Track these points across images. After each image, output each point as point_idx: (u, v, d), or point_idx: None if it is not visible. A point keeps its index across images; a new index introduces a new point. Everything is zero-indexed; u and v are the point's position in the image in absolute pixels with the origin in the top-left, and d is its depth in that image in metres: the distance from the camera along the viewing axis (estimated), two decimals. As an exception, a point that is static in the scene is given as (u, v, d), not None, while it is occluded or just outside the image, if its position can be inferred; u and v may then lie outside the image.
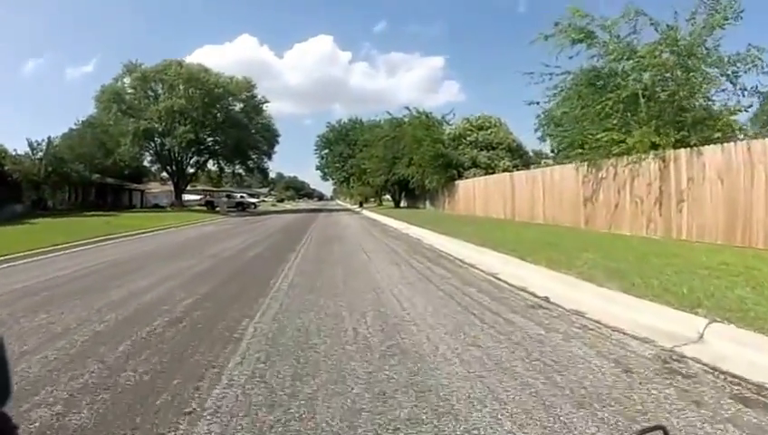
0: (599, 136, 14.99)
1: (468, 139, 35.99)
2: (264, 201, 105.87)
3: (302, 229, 22.73)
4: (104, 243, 16.74)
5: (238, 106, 53.37)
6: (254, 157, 56.94)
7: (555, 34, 15.77)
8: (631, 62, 14.74)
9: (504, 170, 31.52)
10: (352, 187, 68.96)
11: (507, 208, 23.40)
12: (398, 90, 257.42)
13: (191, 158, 53.63)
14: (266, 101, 55.37)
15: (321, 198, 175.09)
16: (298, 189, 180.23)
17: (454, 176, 33.20)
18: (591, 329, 5.04)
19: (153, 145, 49.89)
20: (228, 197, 61.83)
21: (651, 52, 14.24)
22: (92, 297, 7.04)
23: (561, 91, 16.84)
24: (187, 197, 63.82)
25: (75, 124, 47.08)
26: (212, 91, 48.78)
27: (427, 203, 40.78)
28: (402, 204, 49.98)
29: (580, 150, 16.12)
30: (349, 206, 77.17)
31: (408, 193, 48.13)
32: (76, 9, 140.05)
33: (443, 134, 36.70)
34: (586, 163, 16.19)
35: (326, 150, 63.24)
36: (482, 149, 35.46)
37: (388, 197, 62.29)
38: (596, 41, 15.43)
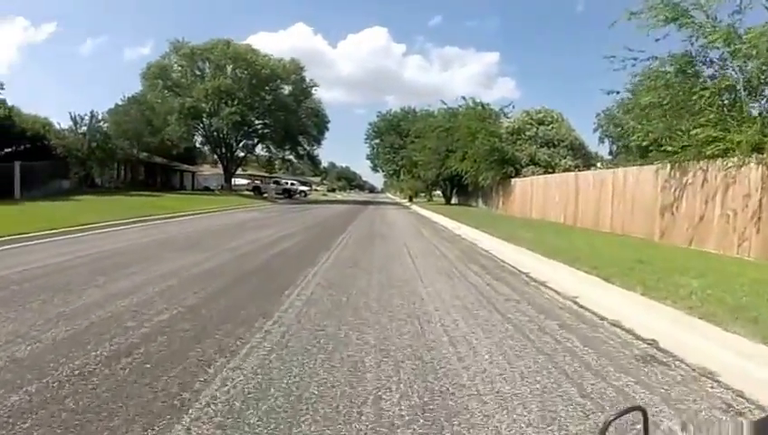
0: (693, 132, 12.62)
1: (527, 133, 33.51)
2: (315, 190, 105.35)
3: (344, 222, 21.23)
4: (133, 225, 15.63)
5: (287, 89, 52.18)
6: (303, 143, 55.76)
7: (643, 12, 13.50)
8: (733, 47, 12.36)
9: (566, 170, 29.11)
10: (402, 180, 67.11)
11: (568, 212, 21.15)
12: (452, 84, 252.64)
13: (240, 141, 52.72)
14: (315, 85, 54.15)
15: (372, 190, 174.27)
16: (350, 180, 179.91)
17: (510, 173, 30.87)
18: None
19: (201, 126, 49.15)
20: (276, 183, 60.98)
21: (759, 36, 11.80)
22: (50, 303, 5.51)
23: (649, 77, 14.47)
24: (236, 181, 63.54)
25: (122, 100, 46.61)
26: (259, 73, 47.74)
27: (480, 201, 38.58)
28: (453, 201, 47.83)
29: (666, 149, 13.72)
30: (398, 199, 75.43)
31: (459, 189, 45.99)
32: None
33: (500, 127, 34.45)
34: (669, 165, 13.89)
35: (377, 140, 61.42)
36: (541, 146, 32.93)
37: (438, 192, 60.32)
38: (690, 21, 13.09)
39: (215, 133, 50.63)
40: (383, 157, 60.64)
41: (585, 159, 34.67)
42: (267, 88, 49.54)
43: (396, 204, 53.97)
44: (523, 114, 34.96)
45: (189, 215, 21.98)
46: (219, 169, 60.85)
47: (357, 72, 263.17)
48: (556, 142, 33.08)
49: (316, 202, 48.68)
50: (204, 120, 48.44)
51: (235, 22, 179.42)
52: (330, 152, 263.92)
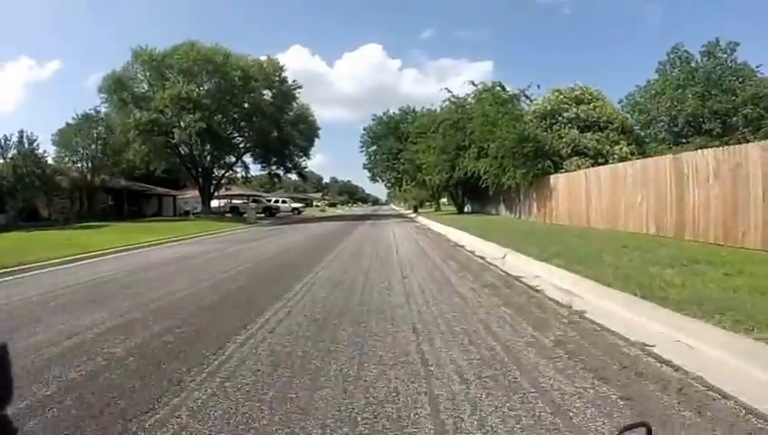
0: None
1: (564, 116, 25.76)
2: (316, 205, 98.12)
3: (321, 252, 14.85)
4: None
5: (268, 94, 44.67)
6: (290, 154, 48.36)
7: None
8: None
9: (623, 159, 21.48)
10: (405, 190, 59.34)
11: (667, 218, 13.43)
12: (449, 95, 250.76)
13: (218, 157, 45.09)
14: (299, 87, 46.70)
15: (375, 202, 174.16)
16: (352, 194, 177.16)
17: (546, 168, 23.16)
18: None
19: (168, 143, 41.50)
20: (256, 201, 53.78)
21: None
22: None
23: None
24: (217, 203, 56.48)
25: (73, 119, 39.01)
26: (229, 75, 40.33)
27: (502, 208, 31.04)
28: (466, 209, 40.09)
29: None
30: (403, 211, 67.96)
31: (473, 195, 38.43)
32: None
33: (525, 114, 26.87)
34: None
35: (373, 147, 53.41)
36: (582, 130, 25.16)
37: (444, 200, 52.72)
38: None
39: (181, 149, 43.17)
40: (381, 164, 52.79)
41: (639, 145, 26.84)
42: (239, 92, 42.11)
43: (399, 216, 46.39)
44: (554, 93, 27.19)
45: (111, 253, 14.93)
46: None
47: (356, 90, 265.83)
48: (603, 125, 25.24)
49: (306, 220, 41.24)
50: (171, 136, 40.88)
51: (232, 47, 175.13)
52: (332, 168, 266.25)
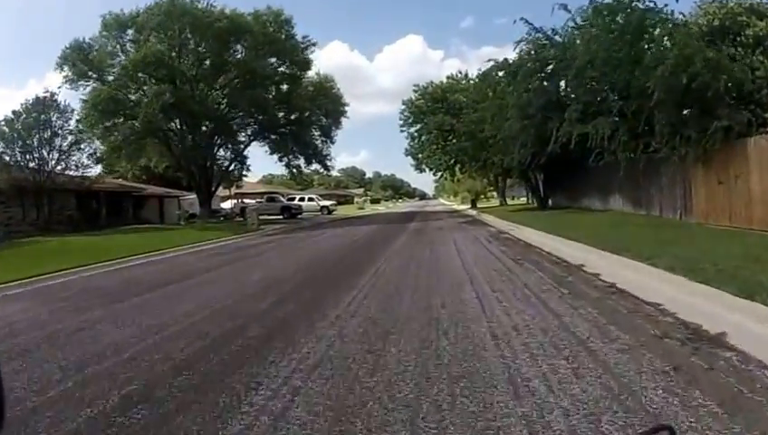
0: None
1: (748, 34, 14.57)
2: (357, 201, 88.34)
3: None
4: None
5: (273, 59, 34.73)
6: (306, 138, 38.42)
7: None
8: None
9: None
10: (459, 180, 48.42)
11: None
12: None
13: (209, 145, 35.45)
14: (312, 44, 36.70)
15: (422, 196, 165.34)
16: (397, 189, 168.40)
17: (735, 126, 12.36)
18: None
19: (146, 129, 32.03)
20: (272, 200, 44.03)
21: None
22: None
23: None
24: (229, 204, 47.24)
25: (22, 106, 29.72)
26: (213, 29, 30.71)
27: (617, 199, 20.34)
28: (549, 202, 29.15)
29: None
30: (455, 206, 57.07)
31: (556, 182, 27.54)
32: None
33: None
34: None
35: (417, 126, 42.20)
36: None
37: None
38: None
39: (172, 140, 33.83)
40: (428, 147, 41.64)
41: None
42: (231, 52, 32.48)
43: (453, 213, 35.74)
44: (716, 5, 15.97)
45: None
46: (219, 191, 44.82)
47: (397, 83, 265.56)
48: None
49: (333, 223, 31.32)
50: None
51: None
52: (376, 164, 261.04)
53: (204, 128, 34.52)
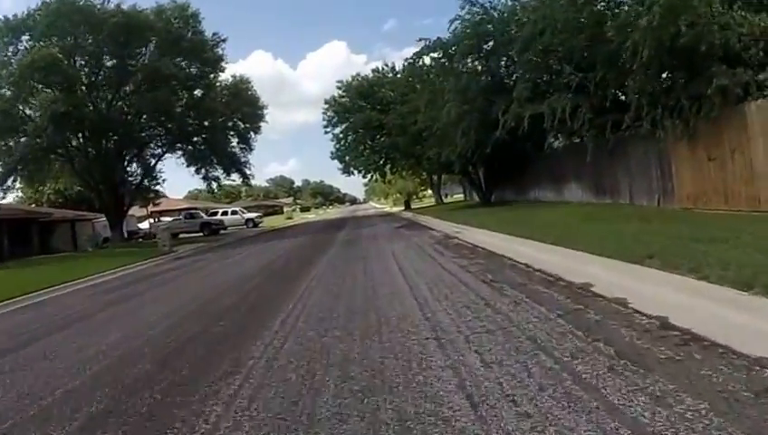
0: None
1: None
2: (289, 210, 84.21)
3: None
4: None
5: (180, 59, 30.68)
6: (221, 146, 34.60)
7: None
8: None
9: None
10: (389, 180, 45.49)
11: None
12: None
13: (112, 156, 31.00)
14: (222, 41, 32.81)
15: (353, 201, 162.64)
16: (327, 195, 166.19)
17: (738, 85, 9.94)
18: None
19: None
20: (191, 217, 39.81)
21: None
22: None
23: None
24: (147, 224, 42.70)
25: None
26: (105, 25, 26.58)
27: (573, 189, 17.94)
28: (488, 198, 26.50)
29: None
30: (387, 209, 54.44)
31: (498, 176, 25.02)
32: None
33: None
34: None
35: (342, 126, 38.70)
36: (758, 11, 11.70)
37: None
38: None
39: (65, 150, 29.27)
40: (355, 148, 38.24)
41: None
42: (132, 54, 28.38)
43: (387, 217, 32.56)
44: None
45: None
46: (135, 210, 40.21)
47: (323, 90, 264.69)
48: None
49: (259, 237, 27.71)
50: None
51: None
52: (306, 172, 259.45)
53: (107, 141, 30.20)
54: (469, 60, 18.69)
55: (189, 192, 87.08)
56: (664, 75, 11.42)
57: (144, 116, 30.68)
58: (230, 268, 13.45)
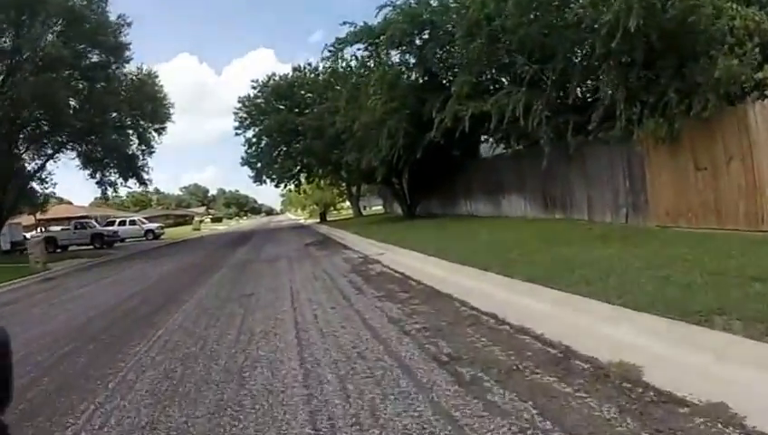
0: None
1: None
2: (201, 220, 79.30)
3: None
4: None
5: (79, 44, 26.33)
6: (127, 146, 30.53)
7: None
8: None
9: None
10: (305, 190, 42.21)
11: None
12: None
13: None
14: (128, 23, 28.14)
15: (269, 212, 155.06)
16: (242, 205, 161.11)
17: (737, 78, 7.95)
18: None
19: None
20: (81, 226, 35.01)
21: None
22: None
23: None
24: (34, 233, 37.22)
25: None
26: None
27: (514, 201, 15.82)
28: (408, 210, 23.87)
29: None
30: (302, 221, 51.30)
31: (421, 182, 22.30)
32: None
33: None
34: None
35: (254, 129, 34.97)
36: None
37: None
38: None
39: None
40: (267, 153, 34.55)
41: None
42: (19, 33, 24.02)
43: (301, 230, 29.28)
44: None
45: None
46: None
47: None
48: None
49: (152, 250, 24.18)
50: None
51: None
52: (225, 182, 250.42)
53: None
54: (399, 52, 16.15)
55: (96, 199, 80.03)
56: (646, 67, 9.27)
57: (22, 108, 25.93)
58: (72, 307, 9.79)
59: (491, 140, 14.90)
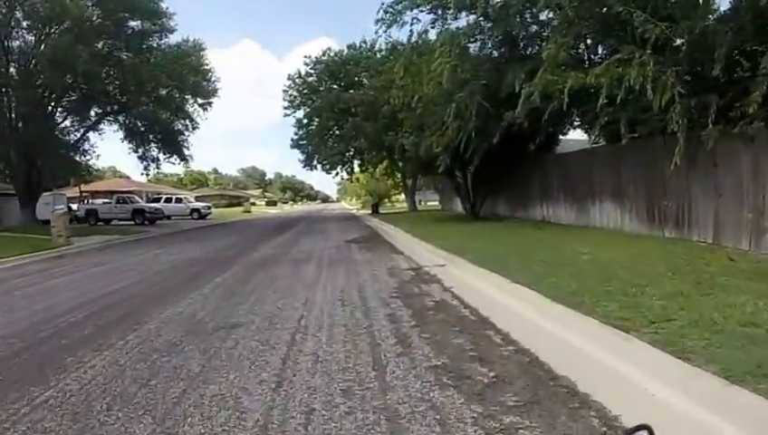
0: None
1: None
2: (253, 203, 78.72)
3: None
4: None
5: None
6: (162, 123, 29.03)
7: None
8: None
9: None
10: (357, 178, 39.56)
11: None
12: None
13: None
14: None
15: (325, 199, 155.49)
16: (297, 190, 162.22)
17: None
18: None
19: None
20: (122, 201, 33.79)
21: None
22: None
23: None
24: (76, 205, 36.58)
25: None
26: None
27: (598, 208, 12.59)
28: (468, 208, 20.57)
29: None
30: (354, 211, 49.07)
31: (486, 178, 18.66)
32: None
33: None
34: None
35: (304, 108, 32.60)
36: None
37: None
38: None
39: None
40: (318, 134, 32.09)
41: None
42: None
43: (350, 221, 26.65)
44: None
45: None
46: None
47: None
48: None
49: (193, 231, 23.63)
50: None
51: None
52: (280, 165, 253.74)
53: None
54: (471, 14, 12.98)
55: (151, 174, 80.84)
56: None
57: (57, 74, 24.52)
58: (61, 295, 7.52)
59: (579, 128, 11.71)
